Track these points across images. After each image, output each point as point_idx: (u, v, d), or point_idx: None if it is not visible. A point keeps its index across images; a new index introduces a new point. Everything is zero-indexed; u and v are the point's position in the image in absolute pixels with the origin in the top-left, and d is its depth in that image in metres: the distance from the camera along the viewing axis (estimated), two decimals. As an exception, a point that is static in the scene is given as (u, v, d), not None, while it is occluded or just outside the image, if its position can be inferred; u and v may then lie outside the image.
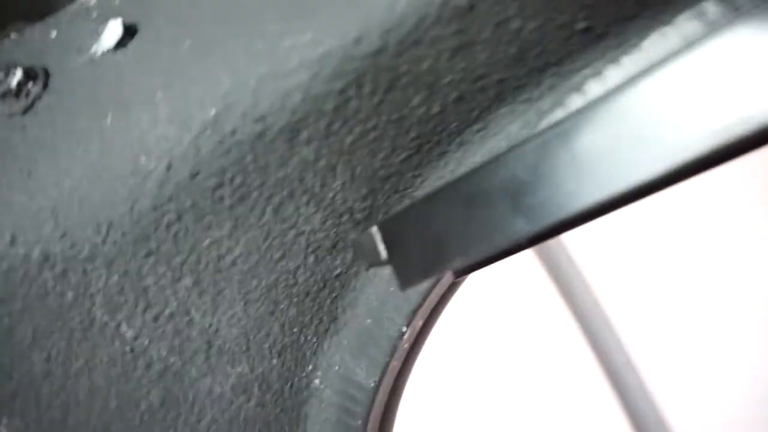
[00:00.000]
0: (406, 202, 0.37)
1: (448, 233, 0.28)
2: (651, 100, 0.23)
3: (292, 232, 0.36)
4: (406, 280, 0.30)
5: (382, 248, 0.31)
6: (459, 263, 0.28)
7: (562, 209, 0.26)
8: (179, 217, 0.34)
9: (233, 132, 0.30)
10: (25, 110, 0.35)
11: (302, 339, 0.41)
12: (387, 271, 0.39)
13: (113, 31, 0.33)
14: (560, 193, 0.25)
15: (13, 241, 0.34)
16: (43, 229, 0.34)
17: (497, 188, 0.27)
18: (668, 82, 0.23)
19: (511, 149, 0.27)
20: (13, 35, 0.39)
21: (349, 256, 0.39)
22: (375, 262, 0.31)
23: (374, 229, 0.31)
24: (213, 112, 0.30)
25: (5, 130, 0.35)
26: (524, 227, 0.26)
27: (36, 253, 0.34)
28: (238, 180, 0.33)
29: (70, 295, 0.36)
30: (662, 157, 0.23)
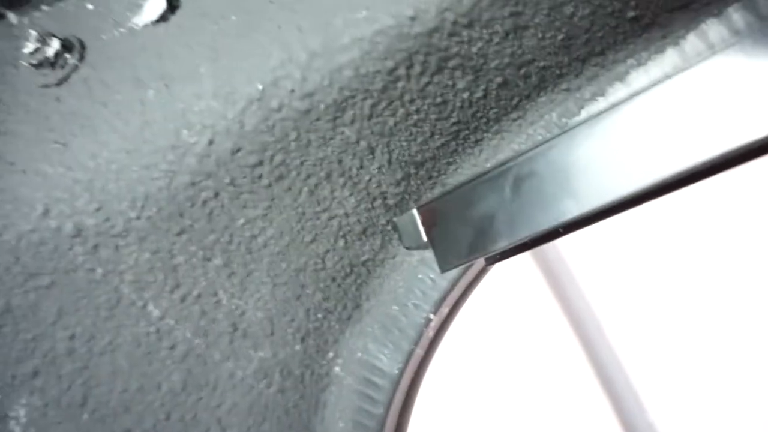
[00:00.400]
0: (438, 189, 0.37)
1: (493, 214, 0.28)
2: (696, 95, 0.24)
3: (326, 215, 0.36)
4: (446, 262, 0.30)
5: (422, 230, 0.31)
6: (504, 243, 0.28)
7: (613, 193, 0.26)
8: (216, 194, 0.33)
9: (279, 108, 0.30)
10: (60, 81, 0.35)
11: (325, 325, 0.41)
12: (414, 259, 0.39)
13: (156, 3, 0.33)
14: (613, 177, 0.26)
15: (45, 213, 0.34)
16: (77, 201, 0.33)
17: (548, 171, 0.27)
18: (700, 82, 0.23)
19: (563, 134, 0.27)
20: (45, 7, 0.39)
21: (378, 242, 0.39)
22: (415, 244, 0.32)
23: (414, 212, 0.31)
24: (260, 87, 0.30)
25: (39, 100, 0.35)
26: (573, 209, 0.27)
27: (68, 227, 0.34)
28: (278, 158, 0.33)
29: (99, 271, 0.35)
30: (705, 150, 0.24)
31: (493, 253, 0.30)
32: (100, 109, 0.34)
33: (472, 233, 0.29)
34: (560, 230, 0.29)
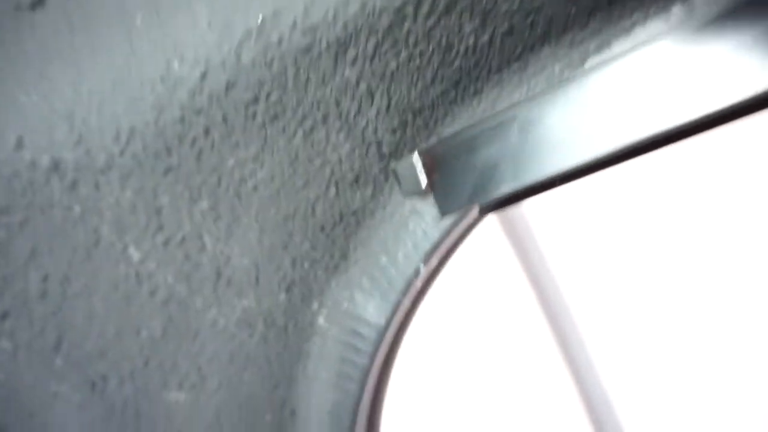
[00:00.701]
0: (434, 140, 0.37)
1: (498, 160, 0.28)
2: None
3: (319, 160, 0.35)
4: (447, 207, 0.30)
5: (422, 176, 0.31)
6: (507, 188, 0.28)
7: (618, 141, 0.26)
8: (207, 132, 0.32)
9: (279, 42, 0.29)
10: (35, 5, 0.32)
11: (311, 275, 0.40)
12: (406, 210, 0.39)
13: (145, -75, 0.31)
14: (619, 127, 0.26)
15: (19, 145, 0.32)
16: (55, 133, 0.31)
17: (556, 118, 0.27)
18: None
19: (571, 82, 0.27)
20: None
21: (369, 191, 0.38)
22: (414, 189, 0.31)
23: (415, 157, 0.31)
24: (260, 18, 0.28)
25: (12, 25, 0.32)
26: (578, 157, 0.27)
27: (45, 160, 0.32)
28: (274, 96, 0.31)
29: (77, 209, 0.34)
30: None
31: (492, 201, 0.30)
32: (80, 36, 0.31)
33: (474, 178, 0.29)
34: (561, 179, 0.29)
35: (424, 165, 0.30)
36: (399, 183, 0.33)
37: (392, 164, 0.36)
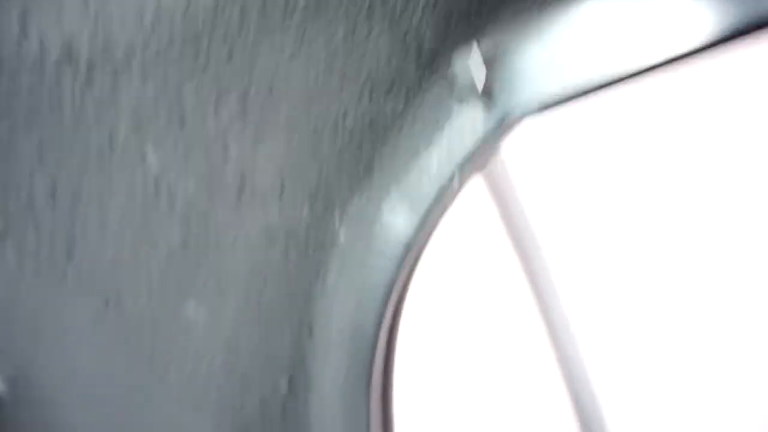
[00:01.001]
0: (471, 49, 0.35)
1: (557, 58, 0.27)
2: None
3: (356, 63, 0.33)
4: (505, 107, 0.29)
5: (480, 74, 0.29)
6: (572, 89, 0.27)
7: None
8: (241, 21, 0.29)
9: None
10: None
11: (335, 190, 0.39)
12: (441, 118, 0.37)
13: None
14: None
15: (23, 32, 0.28)
16: (66, 17, 0.28)
17: (621, 15, 0.25)
18: None
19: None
20: None
21: (402, 99, 0.36)
22: (468, 89, 0.29)
23: (473, 53, 0.29)
24: None
25: None
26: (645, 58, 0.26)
27: (55, 50, 0.28)
28: None
29: (91, 109, 0.30)
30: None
31: (545, 103, 0.29)
32: None
33: (533, 79, 0.27)
34: (616, 81, 0.28)
35: (485, 58, 0.28)
36: (452, 82, 0.32)
37: (424, 76, 0.34)
